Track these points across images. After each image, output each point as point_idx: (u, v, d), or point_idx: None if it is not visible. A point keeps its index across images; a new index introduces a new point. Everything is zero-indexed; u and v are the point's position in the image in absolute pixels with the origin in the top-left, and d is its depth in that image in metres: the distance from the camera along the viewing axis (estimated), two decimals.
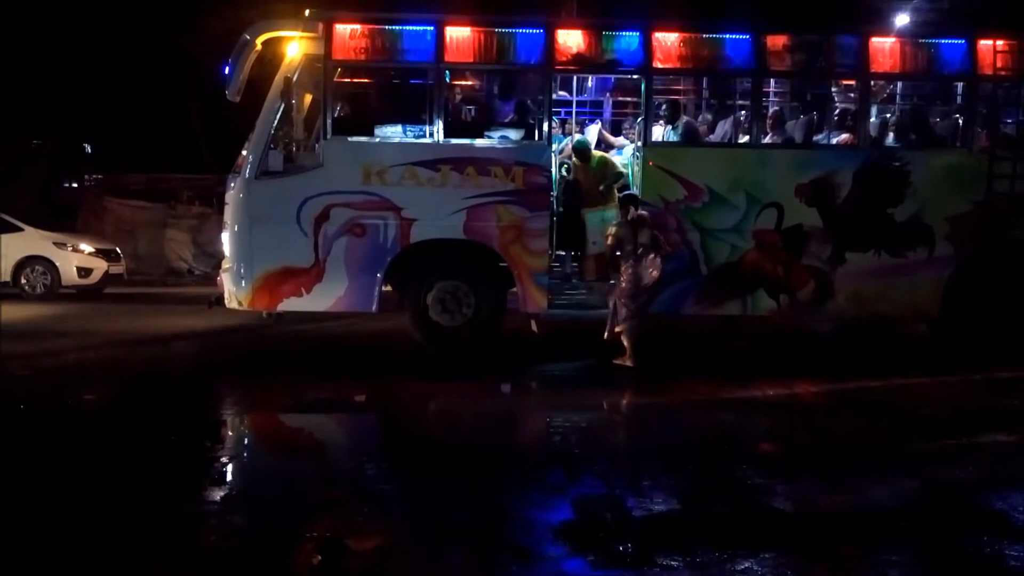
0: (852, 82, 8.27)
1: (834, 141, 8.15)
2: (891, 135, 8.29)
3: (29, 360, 7.09)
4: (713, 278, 7.71)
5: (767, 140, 8.08)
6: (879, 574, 3.14)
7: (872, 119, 8.27)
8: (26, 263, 12.78)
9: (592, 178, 8.11)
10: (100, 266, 13.38)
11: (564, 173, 8.30)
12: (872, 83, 7.97)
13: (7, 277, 12.62)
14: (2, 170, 18.78)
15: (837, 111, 8.51)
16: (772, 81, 8.64)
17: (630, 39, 7.66)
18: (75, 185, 21.32)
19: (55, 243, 13.07)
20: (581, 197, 8.03)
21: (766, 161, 7.86)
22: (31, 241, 12.89)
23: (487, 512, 3.78)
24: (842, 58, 7.98)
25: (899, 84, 8.65)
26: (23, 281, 12.75)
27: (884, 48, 7.79)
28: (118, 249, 14.31)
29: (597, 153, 8.28)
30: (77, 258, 13.13)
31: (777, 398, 6.26)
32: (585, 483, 4.28)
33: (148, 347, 8.21)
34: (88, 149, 24.18)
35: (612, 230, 7.23)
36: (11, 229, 12.76)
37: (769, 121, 8.16)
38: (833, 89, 8.72)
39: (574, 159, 8.22)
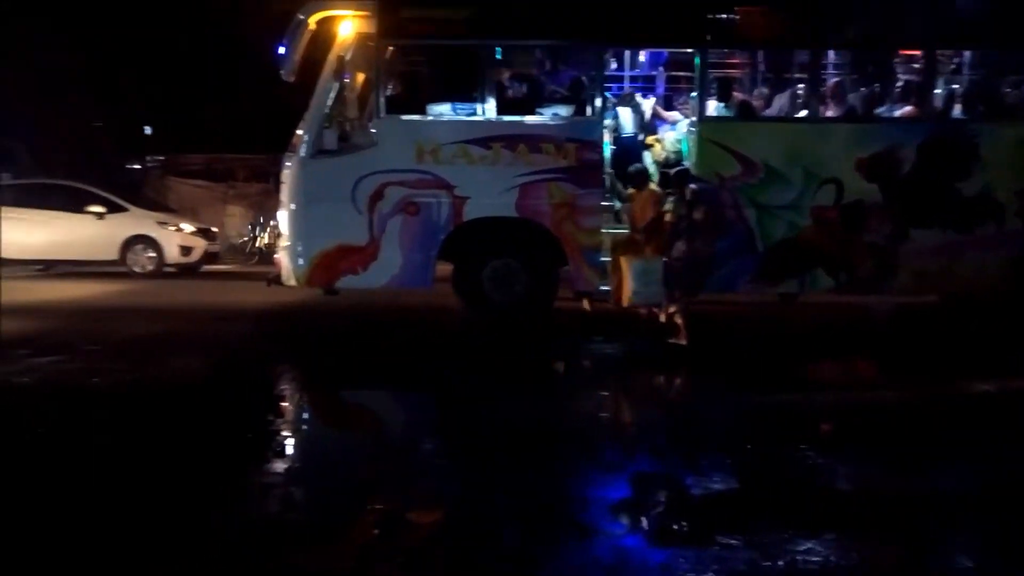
0: (916, 52, 8.00)
1: (896, 114, 7.90)
2: (957, 107, 8.00)
3: (100, 337, 7.34)
4: (769, 255, 7.59)
5: (826, 114, 7.87)
6: (945, 558, 3.08)
7: (937, 90, 7.99)
8: (132, 242, 13.17)
9: (639, 208, 7.49)
10: (200, 245, 13.81)
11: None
12: (937, 54, 7.69)
13: (115, 255, 13.06)
14: (70, 152, 19.42)
15: (900, 83, 8.23)
16: (831, 53, 8.40)
17: (684, 11, 7.52)
18: (137, 166, 21.90)
19: (159, 222, 13.47)
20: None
21: (825, 135, 7.68)
22: (136, 220, 13.31)
23: (544, 488, 3.81)
24: (906, 27, 7.71)
25: (966, 54, 8.33)
26: (130, 259, 13.15)
27: (949, 16, 7.50)
28: (214, 228, 14.72)
29: (653, 186, 7.61)
30: (179, 237, 13.54)
31: (836, 378, 6.15)
32: (641, 461, 4.28)
33: (211, 323, 8.42)
34: (148, 131, 24.79)
35: (669, 207, 7.15)
36: (118, 209, 13.25)
37: (828, 94, 7.95)
38: (895, 60, 8.44)
39: (629, 188, 7.67)
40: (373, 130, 7.69)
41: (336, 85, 7.56)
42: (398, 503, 3.55)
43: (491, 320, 7.77)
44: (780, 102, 8.19)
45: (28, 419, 4.72)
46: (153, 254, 13.25)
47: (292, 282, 7.76)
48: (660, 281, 6.98)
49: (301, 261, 7.62)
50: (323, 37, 7.82)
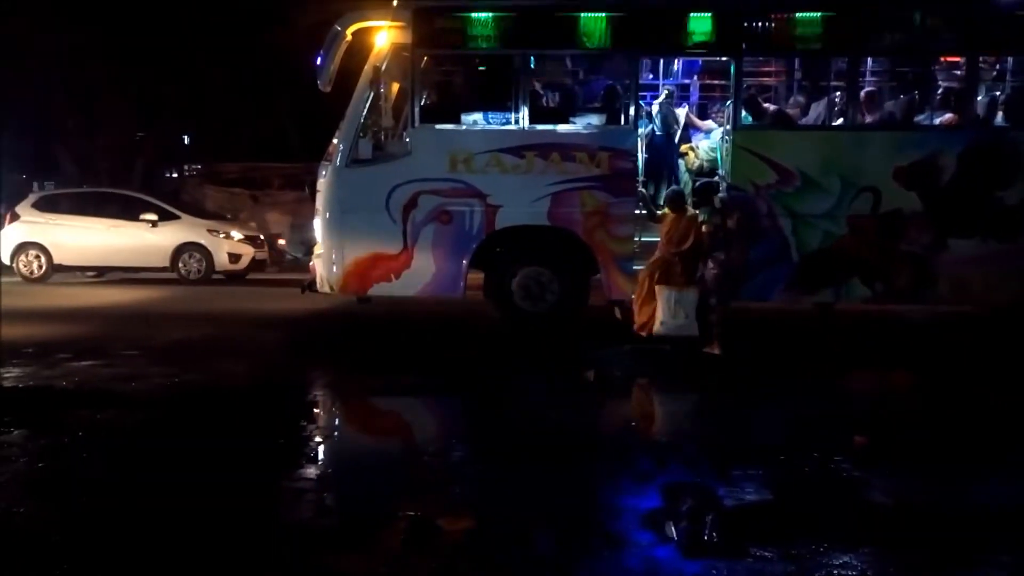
0: (957, 59, 7.87)
1: (937, 122, 7.77)
2: (999, 114, 7.84)
3: (138, 342, 7.49)
4: (805, 265, 7.51)
5: (863, 122, 7.77)
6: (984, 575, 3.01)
7: (979, 98, 7.85)
8: (183, 249, 13.43)
9: (679, 232, 7.24)
10: (248, 252, 14.03)
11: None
12: (979, 60, 7.56)
13: (166, 263, 13.33)
14: (111, 161, 19.89)
15: (940, 90, 8.10)
16: (869, 60, 8.30)
17: (719, 20, 7.48)
18: (175, 175, 22.37)
19: (209, 230, 13.70)
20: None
21: (862, 144, 7.57)
22: (187, 228, 13.58)
23: (575, 496, 3.80)
24: (946, 34, 7.59)
25: (1009, 60, 8.17)
26: (180, 266, 13.40)
27: (991, 22, 7.36)
28: (261, 236, 14.91)
29: (691, 211, 7.39)
30: (228, 244, 13.77)
31: (870, 389, 6.05)
32: (673, 471, 4.24)
33: (247, 329, 8.53)
34: (186, 140, 25.32)
35: (702, 219, 7.11)
36: (170, 217, 13.52)
37: (865, 102, 7.85)
38: (935, 67, 8.30)
39: (667, 208, 7.45)
40: (407, 139, 7.76)
41: (371, 95, 7.64)
42: (429, 509, 3.56)
43: (522, 328, 7.77)
44: (816, 110, 8.11)
45: (66, 423, 4.82)
46: (203, 261, 13.46)
47: (326, 289, 7.85)
48: (691, 314, 6.91)
49: (335, 268, 7.71)
50: (359, 48, 7.92)
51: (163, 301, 11.11)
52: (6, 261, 13.35)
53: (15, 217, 13.47)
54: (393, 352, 7.55)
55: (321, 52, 7.75)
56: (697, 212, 7.22)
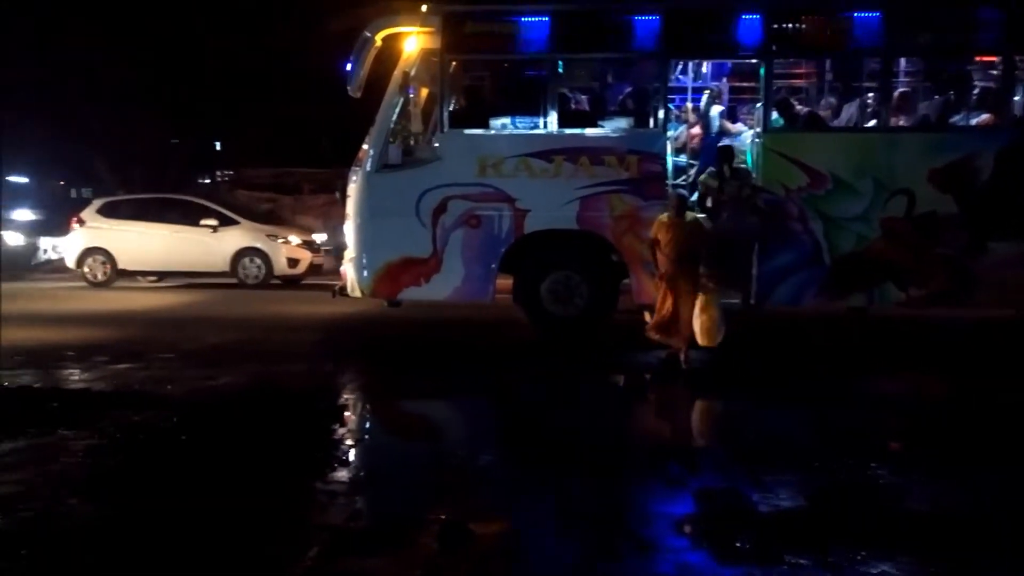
0: (992, 58, 7.73)
1: (973, 122, 7.63)
2: None
3: (173, 345, 7.60)
4: (837, 269, 7.40)
5: (897, 123, 7.66)
6: None
7: (1016, 97, 7.70)
8: (243, 254, 13.49)
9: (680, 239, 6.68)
10: (306, 257, 14.04)
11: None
12: (1016, 58, 7.41)
13: (225, 267, 13.43)
14: (147, 168, 20.25)
15: (976, 90, 7.95)
16: (902, 60, 8.18)
17: (749, 22, 7.43)
18: (207, 180, 22.70)
19: (268, 235, 13.73)
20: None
21: (896, 145, 7.46)
22: (247, 233, 13.63)
23: (606, 501, 3.78)
24: (982, 32, 7.46)
25: None
26: (240, 270, 13.49)
27: None
28: (317, 240, 14.93)
29: (691, 215, 6.92)
30: (287, 249, 13.78)
31: (904, 395, 5.96)
32: (705, 476, 4.22)
33: (283, 333, 8.61)
34: (218, 147, 25.70)
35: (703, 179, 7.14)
36: (230, 222, 13.63)
37: (899, 103, 7.73)
38: (970, 67, 8.15)
39: (670, 212, 6.77)
40: (436, 144, 7.79)
41: (401, 100, 7.69)
42: (461, 512, 3.57)
43: (551, 332, 7.76)
44: (848, 112, 8.00)
45: (103, 423, 4.91)
46: (262, 266, 13.53)
47: (357, 293, 7.90)
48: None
49: (366, 273, 7.76)
50: (388, 53, 7.97)
51: (212, 304, 11.26)
52: (72, 266, 13.57)
53: (80, 223, 13.67)
54: (422, 356, 7.58)
55: (351, 58, 7.80)
56: (697, 217, 7.02)
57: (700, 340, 6.53)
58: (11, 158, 20.66)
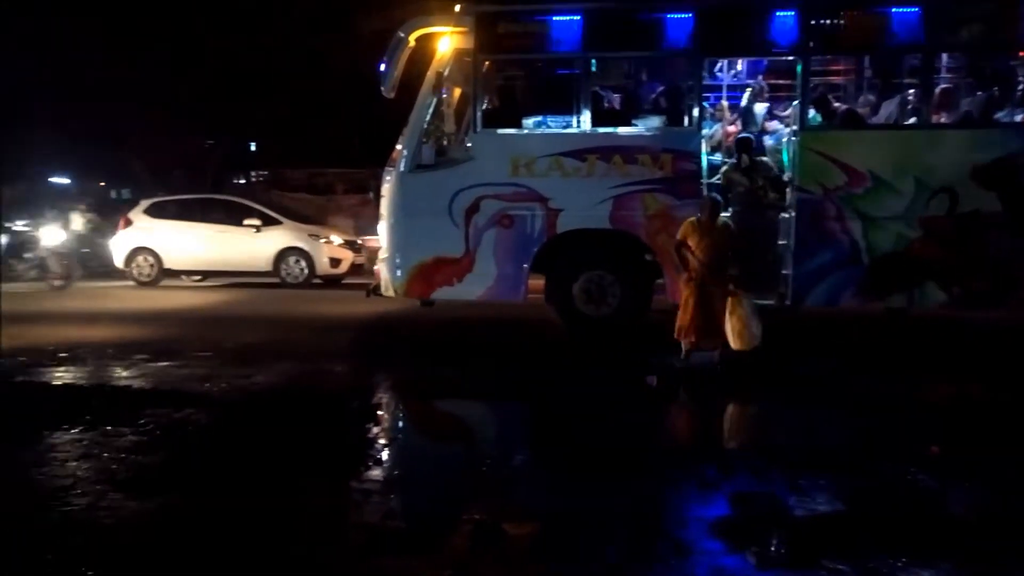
0: None
1: (1018, 119, 7.45)
2: None
3: (211, 343, 7.71)
4: (876, 268, 7.28)
5: (939, 120, 7.51)
6: None
7: None
8: (286, 253, 13.58)
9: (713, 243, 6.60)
10: (348, 256, 14.10)
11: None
12: None
13: (268, 267, 13.52)
14: (184, 168, 20.59)
15: (1021, 85, 7.76)
16: (944, 56, 8.02)
17: (785, 19, 7.33)
18: (242, 180, 23.00)
19: (310, 235, 13.79)
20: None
21: (937, 143, 7.31)
22: (290, 233, 13.70)
23: (640, 503, 3.76)
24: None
25: None
26: (283, 270, 13.59)
27: None
28: (359, 240, 14.93)
29: (722, 219, 6.81)
30: (329, 249, 13.83)
31: (944, 397, 5.84)
32: (740, 479, 4.17)
33: (318, 333, 8.68)
34: (252, 147, 26.05)
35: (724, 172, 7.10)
36: (273, 222, 13.74)
37: (940, 99, 7.57)
38: (1014, 62, 7.96)
39: (703, 216, 6.68)
40: (469, 144, 7.81)
41: (434, 100, 7.72)
42: (494, 514, 3.57)
43: (584, 333, 7.74)
44: (887, 109, 7.86)
45: (141, 420, 5.00)
46: (304, 266, 13.60)
47: (390, 293, 7.95)
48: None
49: (399, 273, 7.80)
50: (422, 54, 8.01)
51: (249, 303, 11.40)
52: (120, 265, 13.75)
53: (128, 223, 13.86)
54: (455, 355, 7.60)
55: (385, 58, 7.85)
56: (728, 222, 6.91)
57: (733, 344, 6.45)
58: (52, 159, 21.19)
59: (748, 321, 6.43)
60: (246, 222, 13.59)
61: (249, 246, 13.48)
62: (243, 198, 14.90)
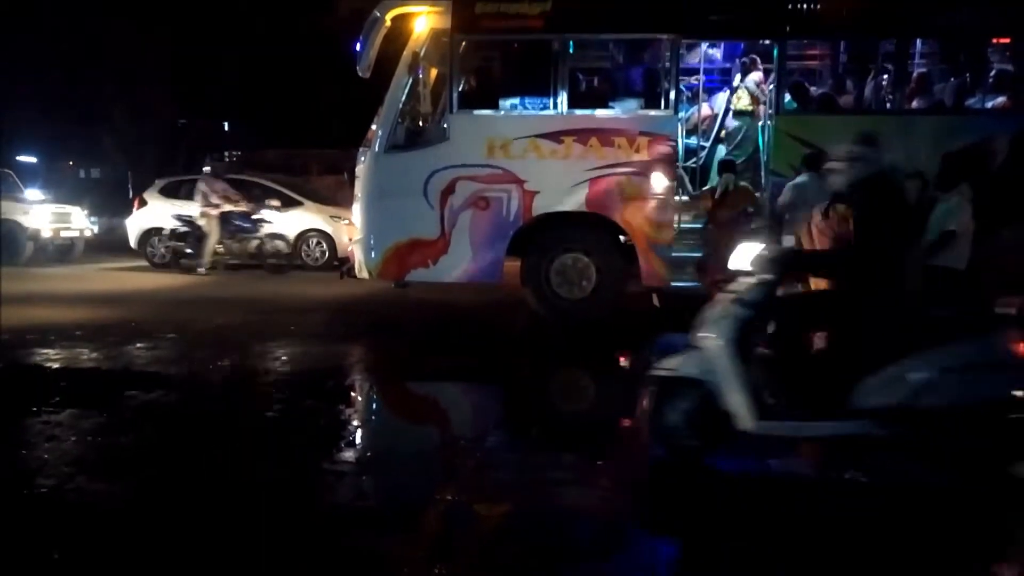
0: (1009, 41, 7.61)
1: (988, 106, 7.53)
2: None
3: (182, 325, 7.62)
4: None
5: (912, 106, 7.57)
6: None
7: None
8: (306, 235, 13.28)
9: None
10: None
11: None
12: None
13: (288, 249, 12.98)
14: (157, 148, 20.27)
15: (993, 73, 7.84)
16: (918, 42, 8.07)
17: (762, 1, 7.33)
18: (217, 161, 22.68)
19: (331, 216, 13.41)
20: None
21: (909, 129, 7.36)
22: (311, 214, 13.36)
23: (615, 485, 3.78)
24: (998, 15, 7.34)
25: None
26: (303, 251, 13.29)
27: None
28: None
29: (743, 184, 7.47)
30: (349, 230, 13.04)
31: None
32: (719, 459, 4.20)
33: (289, 314, 8.60)
34: (225, 127, 25.70)
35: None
36: (293, 204, 13.37)
37: (914, 85, 7.63)
38: (987, 49, 8.03)
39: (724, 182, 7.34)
40: (445, 125, 7.75)
41: (410, 81, 7.63)
42: (466, 495, 3.57)
43: (559, 315, 7.75)
44: (863, 93, 7.91)
45: (110, 402, 4.94)
46: (325, 247, 13.32)
47: (364, 274, 7.89)
48: None
49: (373, 254, 7.75)
50: (398, 33, 7.91)
51: (221, 285, 11.27)
52: (134, 246, 13.36)
53: (143, 204, 13.44)
54: (429, 337, 7.58)
55: (360, 38, 7.75)
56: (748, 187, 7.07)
57: None
58: (19, 138, 20.71)
59: None
60: (266, 202, 12.97)
61: (270, 227, 12.95)
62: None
